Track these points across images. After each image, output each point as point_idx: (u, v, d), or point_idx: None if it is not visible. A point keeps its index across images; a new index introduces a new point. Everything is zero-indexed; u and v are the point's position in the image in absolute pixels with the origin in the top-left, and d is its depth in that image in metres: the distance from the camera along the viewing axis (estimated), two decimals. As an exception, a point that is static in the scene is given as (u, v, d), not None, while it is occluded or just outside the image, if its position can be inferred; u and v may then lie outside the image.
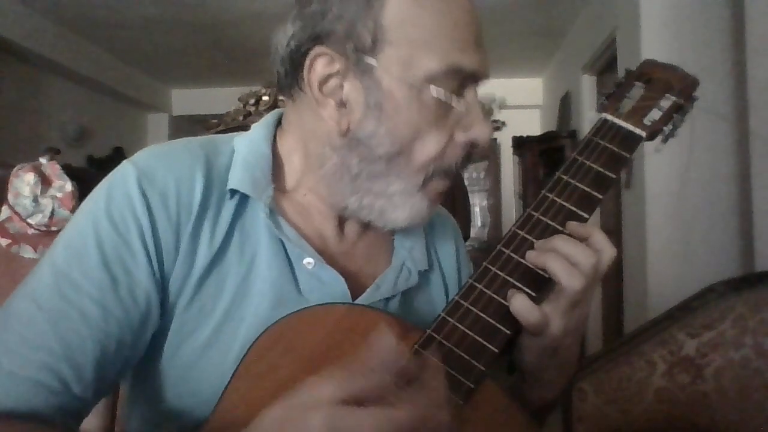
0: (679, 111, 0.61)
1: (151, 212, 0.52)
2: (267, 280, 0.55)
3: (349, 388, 0.37)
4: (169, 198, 0.53)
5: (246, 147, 0.60)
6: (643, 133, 0.59)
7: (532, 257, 0.52)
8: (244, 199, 0.57)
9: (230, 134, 0.63)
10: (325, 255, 0.59)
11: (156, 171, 0.54)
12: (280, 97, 1.16)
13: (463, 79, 0.54)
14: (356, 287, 0.59)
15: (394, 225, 0.58)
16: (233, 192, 0.56)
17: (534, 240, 0.53)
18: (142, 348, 0.53)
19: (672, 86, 0.62)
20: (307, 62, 0.54)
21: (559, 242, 0.51)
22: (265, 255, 0.56)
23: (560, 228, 0.54)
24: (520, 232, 0.54)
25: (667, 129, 0.61)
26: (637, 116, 0.60)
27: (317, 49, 0.53)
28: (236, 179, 0.56)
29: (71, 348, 0.48)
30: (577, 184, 0.56)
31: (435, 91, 0.52)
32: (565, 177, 0.57)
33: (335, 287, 0.57)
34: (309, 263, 0.57)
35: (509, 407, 0.51)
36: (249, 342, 0.50)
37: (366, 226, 0.63)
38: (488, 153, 4.78)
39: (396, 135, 0.53)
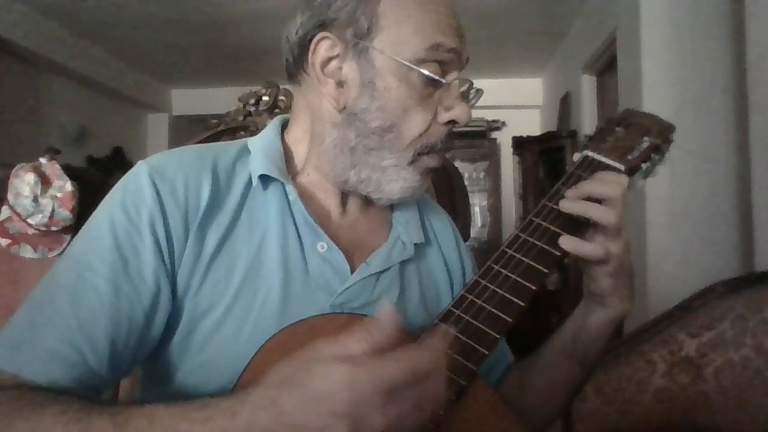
0: (656, 151, 0.66)
1: (161, 202, 0.57)
2: (278, 260, 0.61)
3: (368, 345, 0.40)
4: (178, 189, 0.59)
5: (262, 143, 0.66)
6: (622, 167, 0.64)
7: (566, 207, 0.60)
8: (254, 186, 0.63)
9: (238, 140, 0.70)
10: (329, 230, 0.65)
11: (166, 167, 0.60)
12: (280, 97, 1.19)
13: (445, 63, 0.61)
14: (356, 261, 0.65)
15: (390, 196, 0.64)
16: (263, 177, 0.62)
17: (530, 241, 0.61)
18: (156, 331, 0.57)
19: (650, 130, 0.68)
20: (312, 45, 0.62)
21: (579, 191, 0.60)
22: (275, 236, 0.62)
23: (544, 247, 0.60)
24: (521, 235, 0.61)
25: (645, 166, 0.66)
26: (617, 153, 0.66)
27: (321, 34, 0.61)
28: (262, 166, 0.63)
29: (86, 322, 0.52)
30: (561, 209, 0.62)
31: (423, 70, 0.59)
32: (549, 204, 0.63)
33: (340, 267, 0.64)
34: (322, 247, 0.63)
35: (499, 404, 0.54)
36: (261, 317, 0.58)
37: (367, 204, 0.70)
38: (488, 153, 4.78)
39: (386, 110, 0.60)
